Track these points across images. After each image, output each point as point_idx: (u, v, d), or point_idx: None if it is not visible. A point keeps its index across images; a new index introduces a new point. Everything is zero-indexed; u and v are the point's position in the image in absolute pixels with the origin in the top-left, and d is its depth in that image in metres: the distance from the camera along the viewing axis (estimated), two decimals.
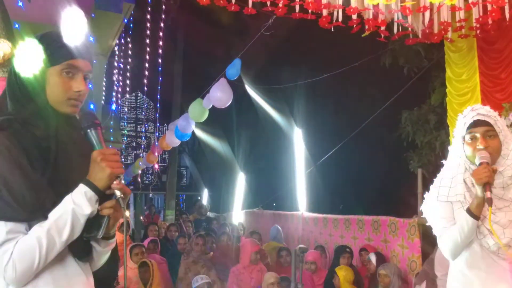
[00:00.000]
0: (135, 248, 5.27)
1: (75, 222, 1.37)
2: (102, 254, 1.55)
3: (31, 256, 1.32)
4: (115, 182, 1.42)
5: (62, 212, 1.36)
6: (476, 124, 2.09)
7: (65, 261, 1.44)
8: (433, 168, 7.58)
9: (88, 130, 1.48)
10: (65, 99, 1.49)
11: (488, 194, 1.95)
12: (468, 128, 2.11)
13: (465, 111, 2.18)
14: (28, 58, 1.46)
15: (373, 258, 5.02)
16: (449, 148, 2.29)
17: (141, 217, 12.78)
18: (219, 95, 7.00)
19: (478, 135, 2.08)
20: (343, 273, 4.79)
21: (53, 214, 1.36)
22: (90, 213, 1.39)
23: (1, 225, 1.31)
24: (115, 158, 1.44)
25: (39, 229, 1.34)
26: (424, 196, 2.27)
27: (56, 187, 1.40)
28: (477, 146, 2.07)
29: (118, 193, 1.43)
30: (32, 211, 1.34)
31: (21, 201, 1.32)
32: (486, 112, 2.11)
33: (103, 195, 1.43)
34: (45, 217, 1.36)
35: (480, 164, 2.01)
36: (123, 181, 1.47)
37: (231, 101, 7.14)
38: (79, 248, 1.44)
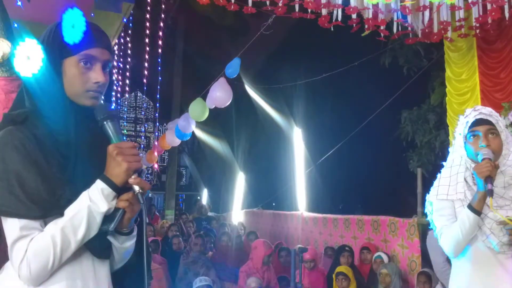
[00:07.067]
0: None
1: (91, 220, 1.31)
2: (121, 250, 1.45)
3: (46, 255, 1.27)
4: (133, 177, 1.34)
5: (78, 210, 1.30)
6: (478, 122, 2.10)
7: (81, 257, 1.37)
8: (433, 168, 7.60)
9: (105, 122, 1.39)
10: (84, 91, 1.42)
11: (489, 186, 1.96)
12: (471, 126, 2.12)
13: (466, 111, 2.19)
14: (42, 51, 1.41)
15: (384, 257, 4.99)
16: (449, 149, 2.30)
17: None
18: (219, 94, 7.00)
19: (480, 133, 2.09)
20: (351, 274, 4.81)
21: (69, 212, 1.31)
22: (107, 210, 1.33)
23: (15, 222, 1.27)
24: (132, 151, 1.36)
25: (54, 227, 1.29)
26: (426, 198, 2.27)
27: (74, 182, 1.35)
28: (479, 145, 2.07)
29: (136, 188, 1.35)
30: (47, 208, 1.29)
31: (34, 198, 1.27)
32: (488, 112, 2.12)
33: (121, 191, 1.36)
34: (61, 214, 1.30)
35: (483, 160, 2.02)
36: (143, 175, 1.40)
37: (230, 101, 7.14)
38: (95, 244, 1.37)
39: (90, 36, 1.42)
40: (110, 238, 1.42)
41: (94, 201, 1.31)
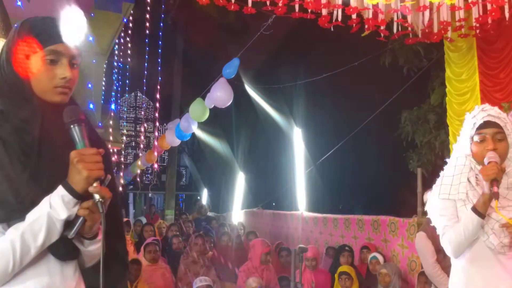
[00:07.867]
0: (149, 245, 5.24)
1: (51, 227, 1.30)
2: (88, 254, 1.44)
3: (5, 260, 1.27)
4: (94, 185, 1.32)
5: (38, 216, 1.29)
6: (486, 125, 2.07)
7: (48, 256, 1.37)
8: (433, 168, 7.59)
9: (72, 126, 1.36)
10: (51, 87, 1.41)
11: (495, 188, 1.94)
12: (478, 128, 2.09)
13: (474, 110, 2.15)
14: (9, 49, 1.40)
15: (380, 258, 5.01)
16: (454, 146, 2.27)
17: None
18: (220, 94, 6.99)
19: (487, 136, 2.06)
20: (354, 274, 4.82)
21: (29, 217, 1.29)
22: (67, 217, 1.31)
23: None
24: (93, 159, 1.33)
25: (14, 232, 1.28)
26: (428, 196, 2.26)
27: (39, 183, 1.33)
28: (486, 148, 2.05)
29: (96, 196, 1.32)
30: (9, 211, 1.28)
31: None
32: (497, 113, 2.10)
33: (82, 198, 1.34)
34: (23, 217, 1.30)
35: (489, 163, 2.01)
36: (106, 183, 1.37)
37: (231, 101, 7.14)
38: (59, 248, 1.36)
39: (55, 32, 1.41)
40: (75, 241, 1.40)
41: (54, 208, 1.30)
